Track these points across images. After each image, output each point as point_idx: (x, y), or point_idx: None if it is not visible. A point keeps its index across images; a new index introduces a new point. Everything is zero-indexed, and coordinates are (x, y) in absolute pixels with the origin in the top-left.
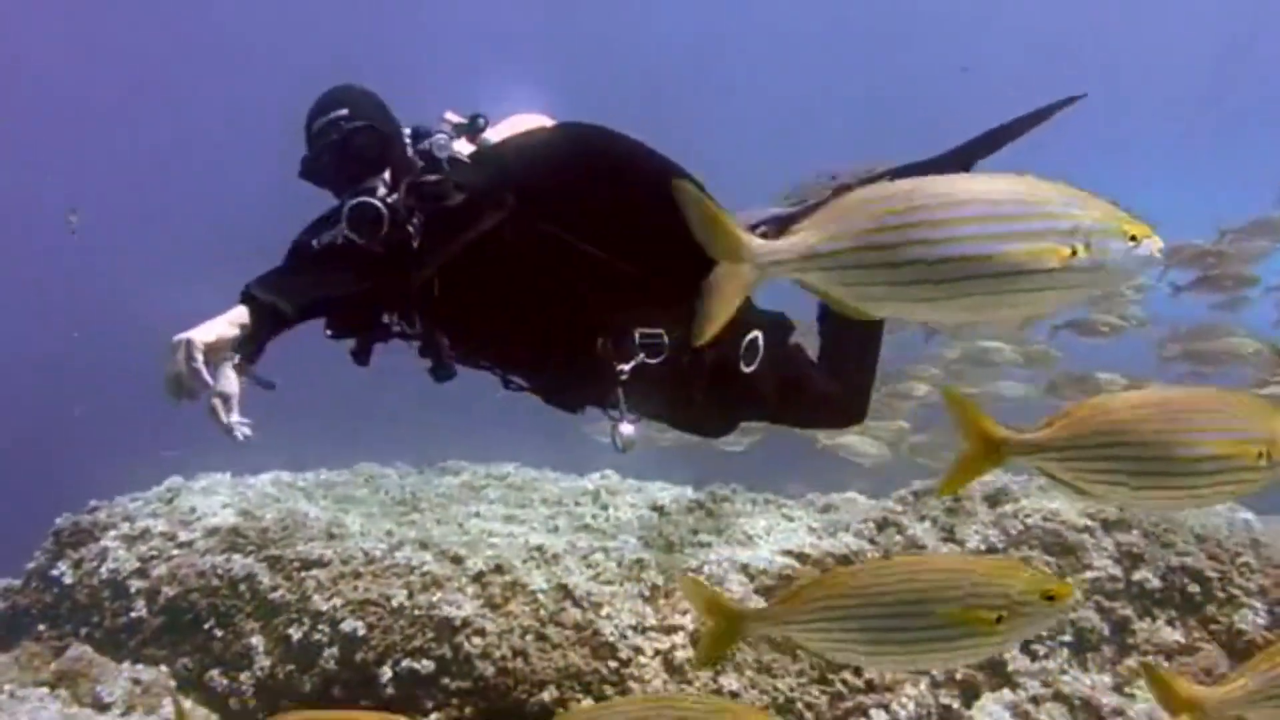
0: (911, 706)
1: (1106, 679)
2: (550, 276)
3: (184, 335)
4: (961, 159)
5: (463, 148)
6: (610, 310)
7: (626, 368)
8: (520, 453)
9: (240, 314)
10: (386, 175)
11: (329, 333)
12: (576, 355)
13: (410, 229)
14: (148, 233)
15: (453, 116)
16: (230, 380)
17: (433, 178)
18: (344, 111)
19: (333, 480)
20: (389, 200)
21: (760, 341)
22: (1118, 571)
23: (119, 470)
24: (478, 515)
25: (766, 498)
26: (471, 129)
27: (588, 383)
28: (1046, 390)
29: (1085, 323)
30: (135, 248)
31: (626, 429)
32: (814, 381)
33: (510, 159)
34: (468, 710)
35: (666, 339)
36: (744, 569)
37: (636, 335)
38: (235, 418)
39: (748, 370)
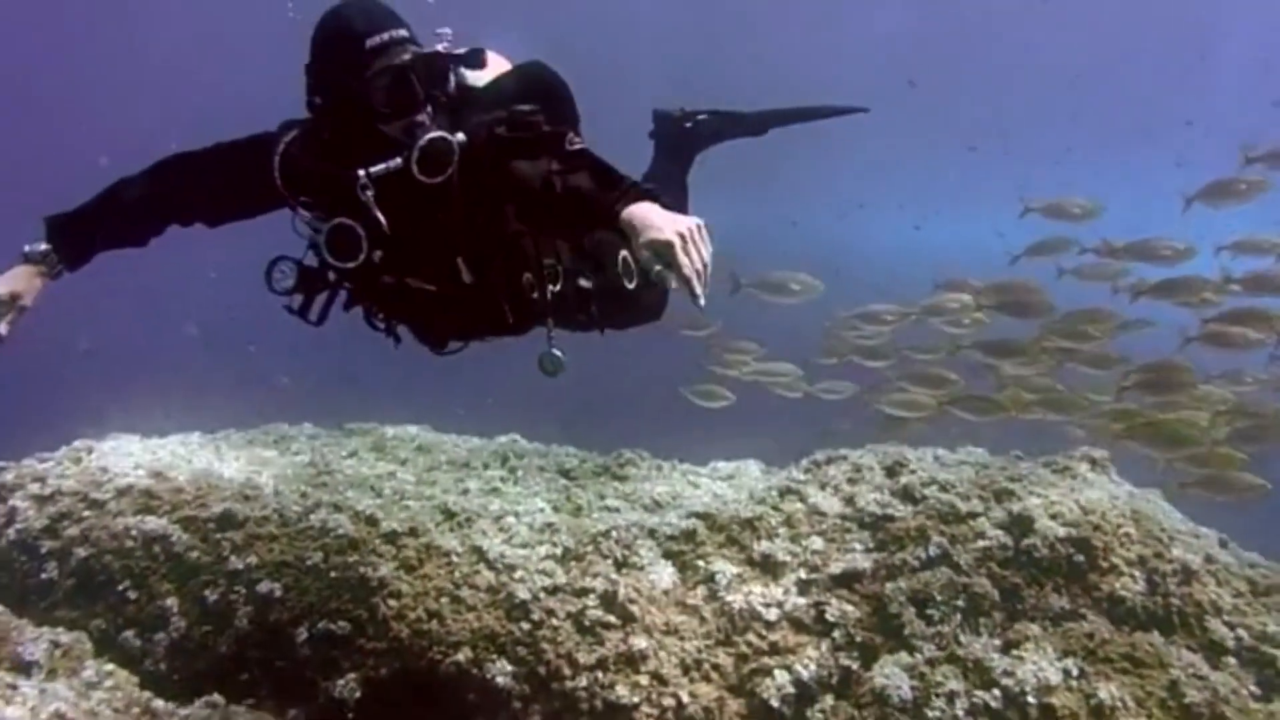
0: (813, 667)
1: (997, 642)
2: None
3: (694, 219)
4: (763, 122)
5: None
6: (534, 242)
7: (549, 296)
8: (417, 414)
9: None
10: (430, 109)
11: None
12: (514, 286)
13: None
14: None
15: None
16: (32, 291)
17: (526, 107)
18: (404, 33)
19: (242, 440)
20: (456, 138)
21: (630, 259)
22: (1008, 540)
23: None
24: (391, 476)
25: (673, 463)
26: (474, 63)
27: (519, 313)
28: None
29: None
30: None
31: (556, 353)
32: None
33: (500, 98)
34: (383, 671)
35: (559, 267)
36: (651, 534)
37: (544, 265)
38: (4, 327)
39: (630, 287)
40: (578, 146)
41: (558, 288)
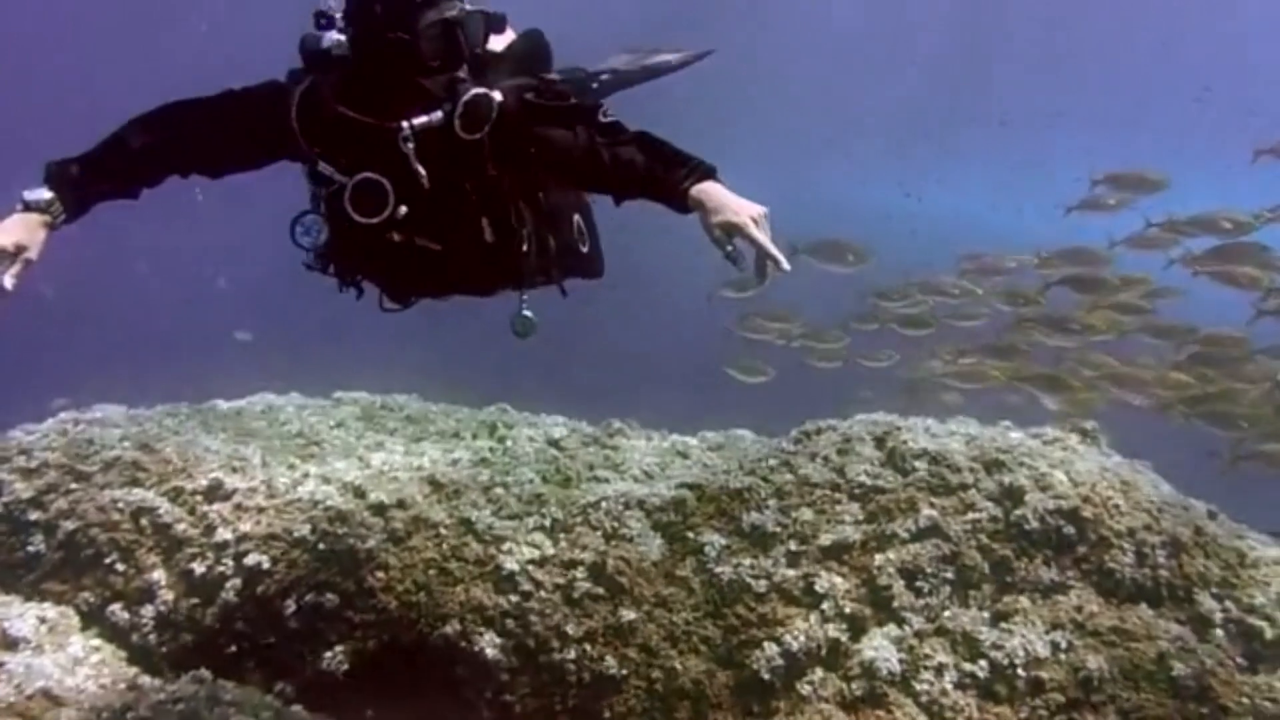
0: (802, 639)
1: (986, 614)
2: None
3: (760, 206)
4: (641, 78)
5: None
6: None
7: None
8: (405, 383)
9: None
10: (466, 68)
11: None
12: (504, 244)
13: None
14: None
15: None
16: (37, 242)
17: (555, 75)
18: None
19: (229, 411)
20: (494, 96)
21: (582, 223)
22: (998, 513)
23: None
24: (379, 447)
25: (663, 434)
26: (498, 27)
27: (503, 271)
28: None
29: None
30: None
31: (527, 314)
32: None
33: (519, 63)
34: (371, 644)
35: (525, 229)
36: (641, 505)
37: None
38: (10, 280)
39: (584, 250)
40: (612, 118)
41: (525, 249)
